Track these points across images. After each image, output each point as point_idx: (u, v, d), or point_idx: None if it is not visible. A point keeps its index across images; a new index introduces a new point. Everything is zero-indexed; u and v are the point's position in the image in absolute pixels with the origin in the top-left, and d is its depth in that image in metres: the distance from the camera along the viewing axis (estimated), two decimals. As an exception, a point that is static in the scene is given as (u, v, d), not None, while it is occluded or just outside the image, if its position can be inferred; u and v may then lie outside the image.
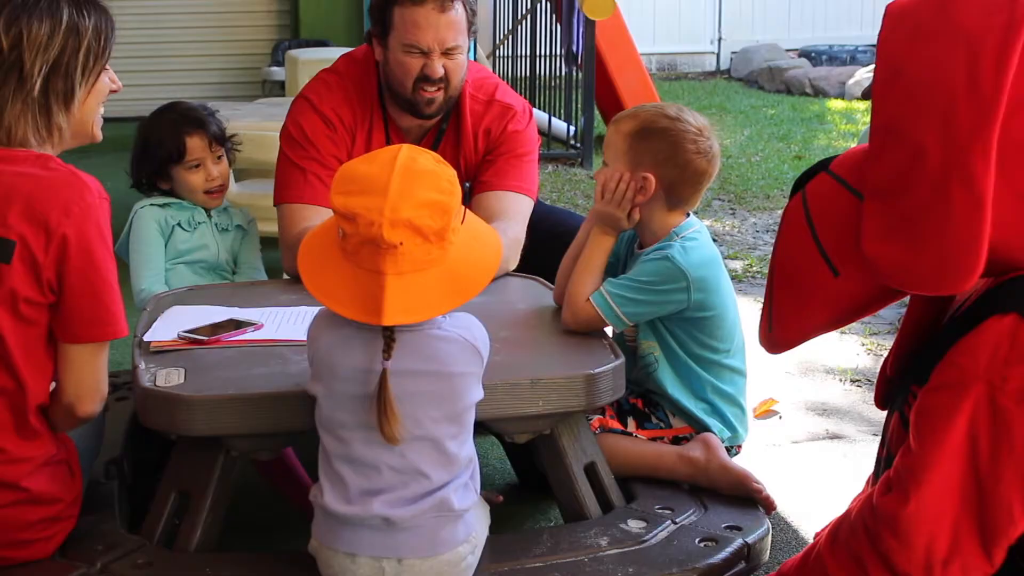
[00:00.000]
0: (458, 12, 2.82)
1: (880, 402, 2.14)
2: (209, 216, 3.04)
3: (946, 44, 1.76)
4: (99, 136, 2.19)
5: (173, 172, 2.99)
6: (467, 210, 2.04)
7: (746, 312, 2.64)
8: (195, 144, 2.99)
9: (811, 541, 2.12)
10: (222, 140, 3.04)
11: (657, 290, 2.40)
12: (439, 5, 2.79)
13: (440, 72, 2.83)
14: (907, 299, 2.05)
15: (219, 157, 3.03)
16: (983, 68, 1.73)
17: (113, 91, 2.19)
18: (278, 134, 3.00)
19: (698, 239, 2.45)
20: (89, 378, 2.10)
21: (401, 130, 2.96)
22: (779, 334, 2.11)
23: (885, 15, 1.87)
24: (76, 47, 2.07)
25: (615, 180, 2.42)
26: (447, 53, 2.83)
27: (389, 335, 1.94)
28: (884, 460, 2.05)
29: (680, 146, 2.41)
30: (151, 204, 2.98)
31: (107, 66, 2.16)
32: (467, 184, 2.92)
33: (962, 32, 1.76)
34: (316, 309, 2.10)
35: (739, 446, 2.55)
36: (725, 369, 2.50)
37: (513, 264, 2.83)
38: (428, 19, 2.79)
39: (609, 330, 2.48)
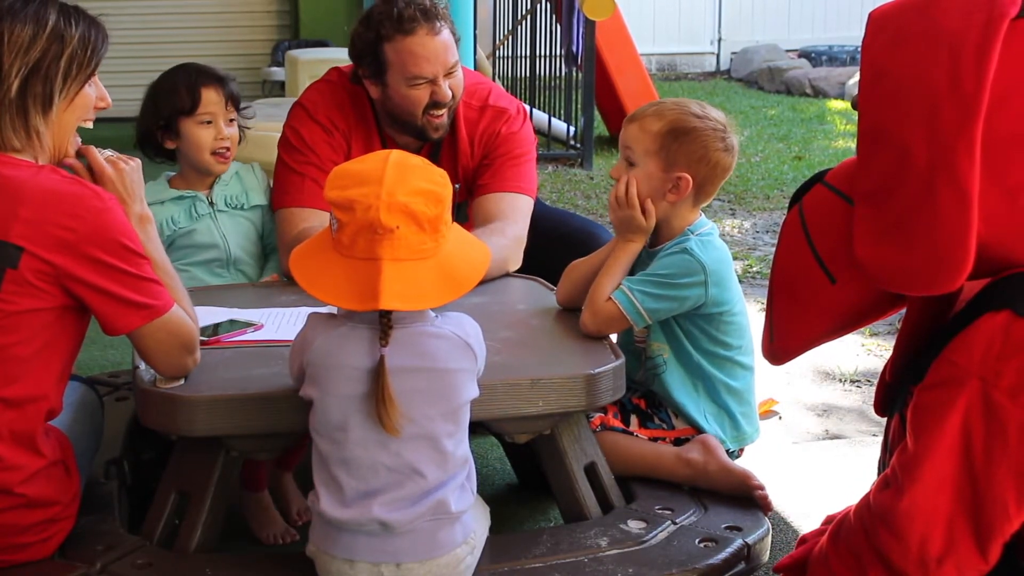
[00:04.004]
0: (446, 29, 2.81)
1: (879, 408, 2.15)
2: (211, 204, 2.91)
3: (928, 45, 1.78)
4: (71, 152, 2.18)
5: (182, 126, 2.85)
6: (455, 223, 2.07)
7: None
8: (210, 97, 2.84)
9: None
10: (237, 103, 2.91)
11: (677, 284, 2.41)
12: (431, 28, 2.77)
13: (449, 94, 2.83)
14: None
15: (231, 120, 2.89)
16: (964, 66, 1.74)
17: (101, 107, 2.18)
18: (278, 134, 2.99)
19: (712, 235, 2.48)
20: (165, 349, 2.11)
21: (398, 146, 2.95)
22: (780, 345, 2.13)
23: (868, 21, 1.89)
24: (59, 53, 2.08)
25: (623, 189, 2.44)
26: (449, 73, 2.82)
27: (386, 322, 1.94)
28: (885, 463, 2.06)
29: (711, 145, 2.42)
30: (149, 204, 2.90)
31: (96, 80, 2.16)
32: (456, 185, 2.93)
33: (943, 32, 1.77)
34: (315, 310, 2.10)
35: (742, 449, 2.55)
36: (737, 366, 2.51)
37: (515, 263, 2.84)
38: (426, 46, 2.77)
39: (613, 336, 2.48)
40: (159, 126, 2.88)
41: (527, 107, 4.00)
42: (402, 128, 2.91)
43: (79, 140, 2.19)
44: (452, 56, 2.82)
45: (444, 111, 2.85)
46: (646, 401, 2.53)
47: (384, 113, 2.92)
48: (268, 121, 4.51)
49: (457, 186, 2.92)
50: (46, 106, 2.09)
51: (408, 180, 1.94)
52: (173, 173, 2.97)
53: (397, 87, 2.83)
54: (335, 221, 1.96)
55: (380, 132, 2.96)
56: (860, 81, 1.90)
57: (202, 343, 2.29)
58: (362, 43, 2.84)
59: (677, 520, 2.28)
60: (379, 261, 1.92)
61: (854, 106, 1.91)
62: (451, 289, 1.98)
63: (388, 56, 2.80)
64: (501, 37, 8.28)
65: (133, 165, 2.26)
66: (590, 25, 6.98)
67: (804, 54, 11.25)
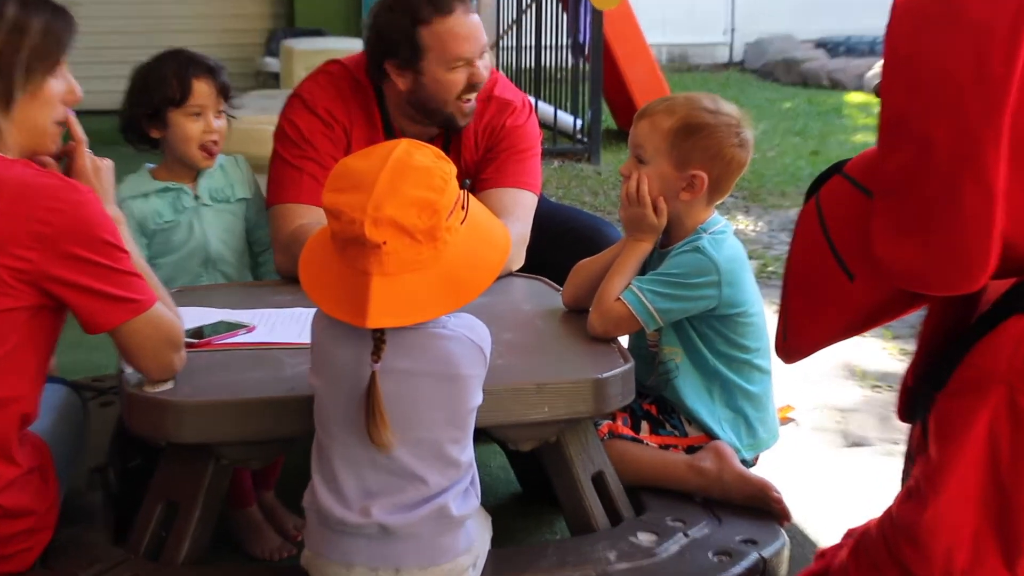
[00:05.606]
0: (474, 10, 2.83)
1: (902, 414, 2.14)
2: (196, 198, 2.91)
3: (954, 33, 1.77)
4: (52, 149, 2.17)
5: (170, 117, 2.85)
6: (474, 201, 2.03)
7: (762, 314, 2.66)
8: (201, 89, 2.85)
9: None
10: (228, 94, 2.92)
11: (689, 284, 2.40)
12: (466, 7, 2.80)
13: (485, 75, 2.84)
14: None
15: (220, 112, 2.90)
16: (992, 56, 1.73)
17: (71, 101, 2.17)
18: (271, 127, 2.99)
19: (726, 233, 2.47)
20: (151, 345, 2.10)
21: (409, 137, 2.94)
22: (794, 343, 2.12)
23: (892, 7, 1.88)
24: (17, 46, 2.07)
25: (634, 185, 2.44)
26: (482, 54, 2.84)
27: (379, 336, 1.93)
28: (908, 473, 2.05)
29: (726, 141, 2.43)
30: (131, 198, 2.88)
31: (66, 72, 2.15)
32: (467, 181, 2.91)
33: (971, 20, 1.76)
34: (311, 311, 2.10)
35: (757, 457, 2.55)
36: (754, 369, 2.51)
37: (518, 263, 2.83)
38: (463, 25, 2.78)
39: (623, 339, 2.47)
40: (145, 115, 2.88)
41: (532, 99, 4.00)
42: (427, 118, 2.89)
43: (59, 133, 2.18)
44: (484, 35, 2.84)
45: (474, 95, 2.86)
46: (657, 407, 2.52)
47: (405, 105, 2.90)
48: (262, 114, 4.52)
49: (467, 182, 2.91)
50: (6, 101, 2.08)
51: (401, 188, 1.89)
52: (154, 165, 2.97)
53: (434, 73, 2.81)
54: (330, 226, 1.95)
55: (386, 125, 2.94)
56: (883, 69, 1.89)
57: (192, 345, 2.29)
58: (394, 31, 2.82)
59: (689, 532, 2.27)
60: (368, 276, 1.90)
61: (876, 94, 1.90)
62: (454, 298, 1.95)
63: (425, 41, 2.79)
64: (505, 27, 8.28)
65: (108, 164, 2.26)
66: (597, 14, 6.98)
67: (821, 44, 11.26)
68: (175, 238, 2.90)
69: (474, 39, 2.80)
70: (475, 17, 2.82)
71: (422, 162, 1.94)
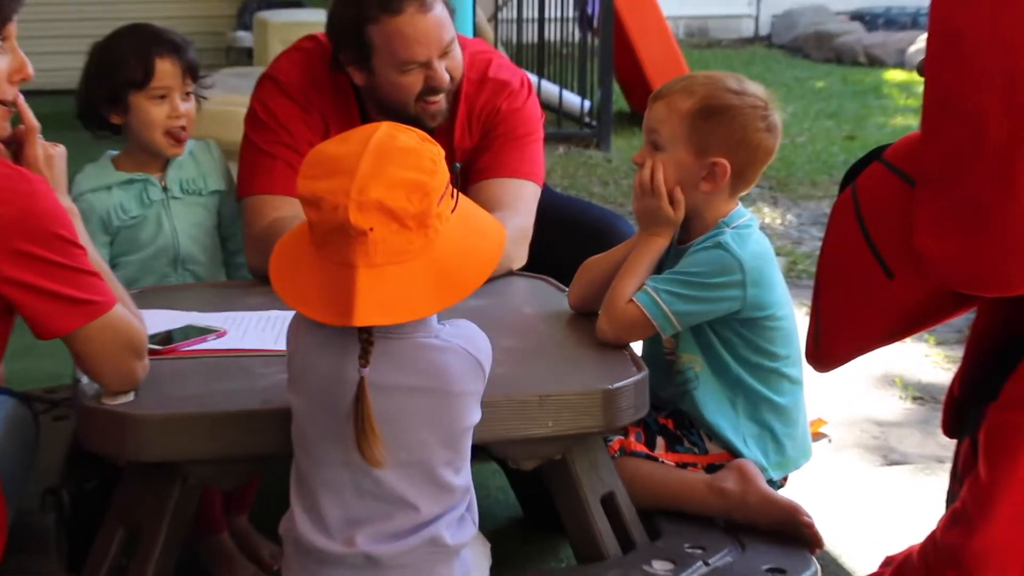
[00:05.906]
0: (439, 3, 2.80)
1: (948, 429, 2.14)
2: (165, 190, 2.91)
3: (1006, 3, 1.77)
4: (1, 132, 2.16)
5: (132, 100, 2.84)
6: (462, 196, 2.04)
7: (791, 317, 2.66)
8: (165, 69, 2.83)
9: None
10: (195, 73, 2.91)
11: (710, 284, 2.40)
12: (420, 5, 2.76)
13: (447, 78, 2.83)
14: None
15: (188, 94, 2.89)
16: None
17: (20, 78, 2.15)
18: (243, 110, 2.99)
19: (751, 227, 2.47)
20: (111, 351, 2.09)
21: None
22: (827, 349, 2.12)
23: None
24: None
25: (648, 174, 2.44)
26: (444, 54, 2.82)
27: (366, 337, 1.93)
28: (954, 495, 2.05)
29: (751, 125, 2.43)
30: (91, 191, 2.87)
31: (14, 46, 2.13)
32: (457, 165, 2.91)
33: None
34: (288, 314, 2.10)
35: (785, 478, 2.55)
36: (783, 379, 2.50)
37: (519, 261, 2.84)
38: (416, 27, 2.77)
39: (636, 345, 2.47)
40: (104, 98, 2.87)
41: (534, 79, 4.00)
42: (393, 117, 2.89)
43: (7, 115, 2.17)
44: (447, 34, 2.81)
45: (441, 96, 2.85)
46: (674, 421, 2.53)
47: (371, 101, 2.91)
48: (233, 94, 4.53)
49: (458, 166, 2.91)
50: None
51: (387, 169, 1.90)
52: (116, 152, 2.96)
53: (386, 74, 2.82)
54: (308, 218, 1.95)
55: (363, 115, 2.94)
56: (928, 44, 1.89)
57: (156, 352, 2.28)
58: (342, 25, 2.83)
59: (710, 561, 2.27)
60: (353, 269, 1.90)
61: (920, 72, 1.89)
62: (448, 292, 1.95)
63: (373, 39, 2.79)
64: (505, -3, 8.29)
65: (61, 151, 2.25)
66: (608, -17, 6.99)
67: (857, 17, 11.27)
68: (141, 235, 2.89)
69: (428, 41, 2.78)
70: (434, 14, 2.78)
71: (407, 143, 1.95)
